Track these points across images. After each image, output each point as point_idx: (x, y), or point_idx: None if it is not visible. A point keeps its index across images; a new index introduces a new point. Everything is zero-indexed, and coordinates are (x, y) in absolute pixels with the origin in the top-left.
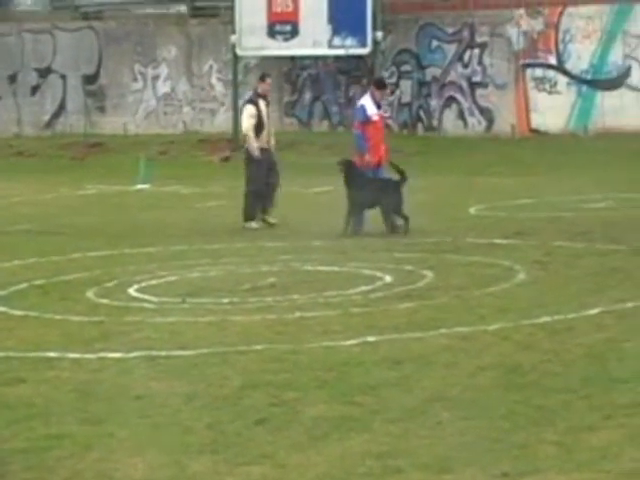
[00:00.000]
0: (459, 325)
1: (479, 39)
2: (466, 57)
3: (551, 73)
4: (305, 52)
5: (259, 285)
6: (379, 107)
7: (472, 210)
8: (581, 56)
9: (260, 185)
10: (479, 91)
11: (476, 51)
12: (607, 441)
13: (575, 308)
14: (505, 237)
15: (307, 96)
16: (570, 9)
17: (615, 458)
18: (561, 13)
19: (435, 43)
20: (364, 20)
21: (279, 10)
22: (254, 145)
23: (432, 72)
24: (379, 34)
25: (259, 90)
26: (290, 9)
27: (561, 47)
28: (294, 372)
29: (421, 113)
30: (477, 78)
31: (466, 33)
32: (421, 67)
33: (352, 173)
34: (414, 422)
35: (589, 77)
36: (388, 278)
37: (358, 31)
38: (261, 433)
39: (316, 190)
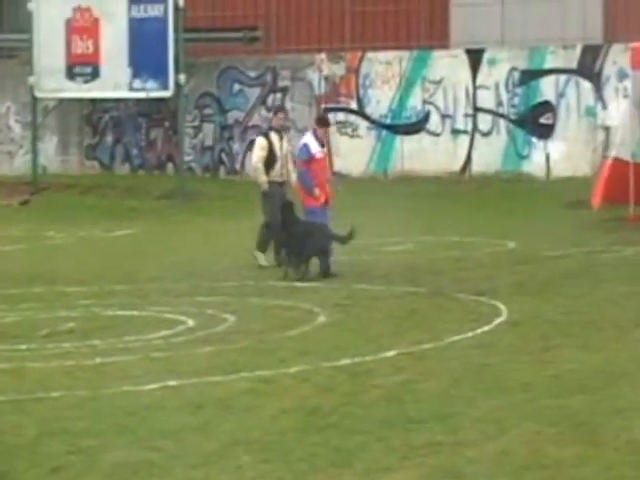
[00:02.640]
0: (260, 368)
1: (281, 83)
2: (269, 101)
3: (352, 117)
4: (106, 95)
5: (58, 331)
6: (322, 145)
7: None
8: (381, 101)
9: (276, 218)
10: None
11: (278, 95)
12: None
13: (374, 350)
14: (307, 280)
15: (109, 139)
16: (370, 54)
17: None
18: (361, 58)
19: (237, 87)
20: (165, 63)
21: (79, 52)
22: (263, 178)
23: (234, 116)
24: (181, 77)
25: (272, 124)
26: (90, 51)
27: (361, 92)
28: (93, 418)
29: (223, 156)
30: None
31: (268, 77)
32: (223, 111)
33: (285, 217)
34: (214, 466)
35: (388, 122)
36: (190, 322)
37: (159, 74)
38: None
39: (117, 234)
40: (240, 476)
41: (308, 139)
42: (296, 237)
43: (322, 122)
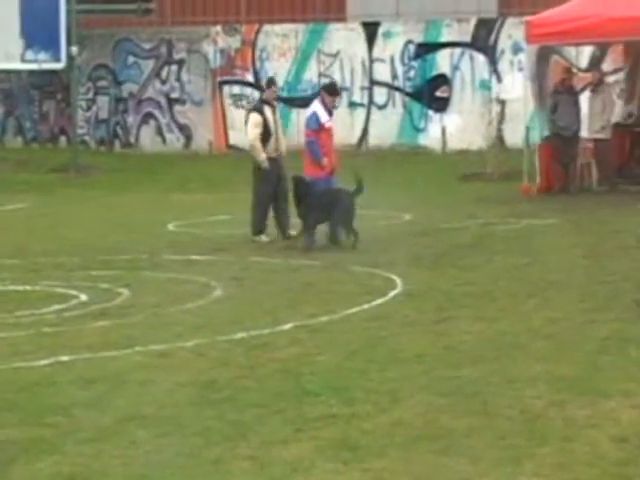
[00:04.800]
0: (155, 343)
1: (176, 55)
2: (164, 73)
3: (248, 90)
4: None
5: None
6: (330, 114)
7: (170, 226)
8: (277, 74)
9: (267, 197)
10: (177, 107)
11: (174, 67)
12: (298, 454)
13: (270, 323)
14: (202, 253)
15: (0, 111)
16: (266, 27)
17: (306, 471)
18: (257, 31)
19: (132, 59)
20: (58, 34)
21: None
22: (262, 156)
23: (129, 88)
24: (74, 49)
25: (264, 96)
26: None
27: (258, 64)
28: None
29: (118, 129)
30: (175, 94)
31: (163, 49)
32: (118, 83)
33: (302, 191)
34: (108, 442)
35: (285, 95)
36: (83, 297)
37: (52, 45)
38: None
39: (9, 207)
40: (134, 451)
41: (317, 108)
42: (322, 206)
43: (331, 90)
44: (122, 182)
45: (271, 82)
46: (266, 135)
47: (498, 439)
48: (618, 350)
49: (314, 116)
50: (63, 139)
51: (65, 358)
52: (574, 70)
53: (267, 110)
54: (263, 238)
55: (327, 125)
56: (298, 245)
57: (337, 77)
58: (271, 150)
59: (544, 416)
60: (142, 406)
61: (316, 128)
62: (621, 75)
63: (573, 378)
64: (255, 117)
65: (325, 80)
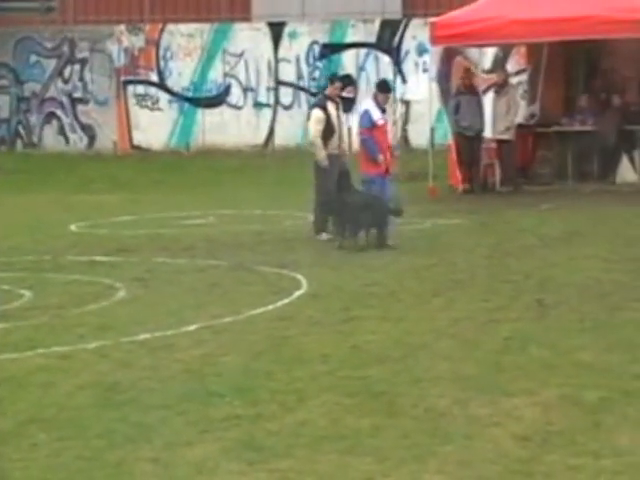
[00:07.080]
0: (57, 345)
1: (79, 54)
2: (66, 72)
3: (153, 90)
4: None
5: None
6: (383, 111)
7: (73, 227)
8: (182, 73)
9: (330, 195)
10: (80, 107)
11: (76, 67)
12: (203, 455)
13: (174, 324)
14: (106, 254)
15: None
16: (171, 26)
17: (211, 472)
18: (162, 30)
19: (34, 58)
20: None
21: None
22: (322, 154)
23: (31, 87)
24: None
25: (327, 92)
26: None
27: (162, 64)
28: None
29: (20, 129)
30: (78, 94)
31: (66, 48)
32: (19, 82)
33: (344, 184)
34: (8, 445)
35: (190, 94)
36: None
37: None
38: None
39: None
40: (35, 454)
41: (369, 105)
42: (352, 207)
43: (384, 88)
44: (24, 182)
45: (334, 78)
46: (329, 132)
47: (403, 438)
48: (520, 349)
49: (366, 114)
50: None
51: None
52: (473, 70)
53: (330, 106)
54: (324, 236)
55: (379, 123)
56: (340, 241)
57: (242, 77)
58: (333, 147)
59: (448, 414)
60: (43, 409)
61: (369, 126)
62: (524, 76)
63: (476, 377)
64: (317, 113)
65: (230, 79)
